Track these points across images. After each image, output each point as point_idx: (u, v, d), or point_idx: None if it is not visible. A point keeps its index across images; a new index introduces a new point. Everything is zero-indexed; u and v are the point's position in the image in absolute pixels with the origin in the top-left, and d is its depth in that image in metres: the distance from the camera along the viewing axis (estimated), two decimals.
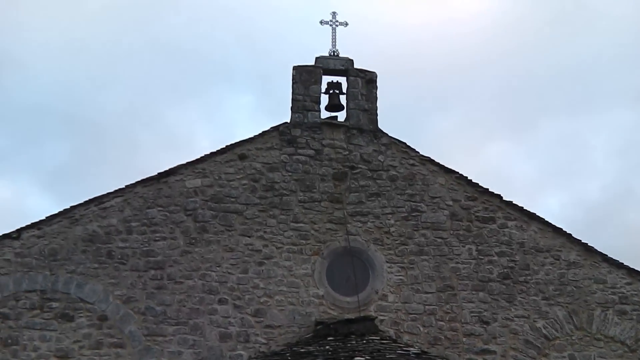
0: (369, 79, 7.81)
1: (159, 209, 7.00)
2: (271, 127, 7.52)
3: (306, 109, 7.61)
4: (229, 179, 7.22)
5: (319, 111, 7.64)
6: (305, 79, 7.71)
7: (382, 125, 7.76)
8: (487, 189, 7.57)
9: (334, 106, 7.88)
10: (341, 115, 7.87)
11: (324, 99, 7.80)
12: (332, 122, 7.61)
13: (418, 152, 7.68)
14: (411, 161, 7.63)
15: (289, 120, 7.58)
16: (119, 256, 6.76)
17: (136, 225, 6.89)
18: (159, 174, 7.11)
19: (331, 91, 7.94)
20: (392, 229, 7.32)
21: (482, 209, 7.52)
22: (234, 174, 7.24)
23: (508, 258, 7.28)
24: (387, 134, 7.72)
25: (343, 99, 7.90)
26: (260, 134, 7.45)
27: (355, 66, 7.86)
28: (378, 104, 7.72)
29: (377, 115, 7.77)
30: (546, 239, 7.35)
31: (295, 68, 7.72)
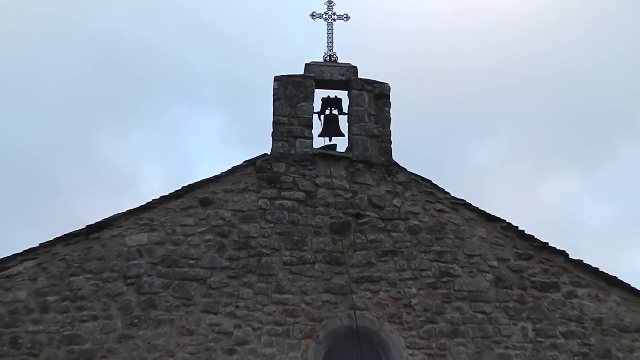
0: (379, 94, 8.09)
1: (88, 276, 7.02)
2: (245, 161, 7.74)
3: (293, 135, 7.82)
4: (186, 233, 7.36)
5: (311, 138, 7.84)
6: (291, 94, 7.93)
7: (397, 156, 7.99)
8: (547, 244, 7.63)
9: (331, 131, 8.16)
10: (341, 144, 8.21)
11: (318, 122, 8.17)
12: (328, 154, 7.81)
13: (448, 194, 7.84)
14: (439, 206, 7.81)
15: (269, 152, 7.83)
16: (29, 344, 6.59)
17: (55, 300, 6.80)
18: (88, 227, 7.15)
19: (327, 111, 8.28)
20: (413, 301, 7.32)
21: (540, 272, 7.58)
22: (194, 227, 7.39)
23: (580, 341, 7.19)
24: (404, 169, 7.94)
25: (344, 121, 8.26)
26: (230, 170, 7.64)
27: (360, 75, 8.14)
28: (392, 128, 7.98)
29: (390, 143, 8.00)
30: (633, 313, 7.30)
31: (277, 79, 7.92)
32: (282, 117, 7.82)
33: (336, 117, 8.24)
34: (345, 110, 8.23)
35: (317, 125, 8.17)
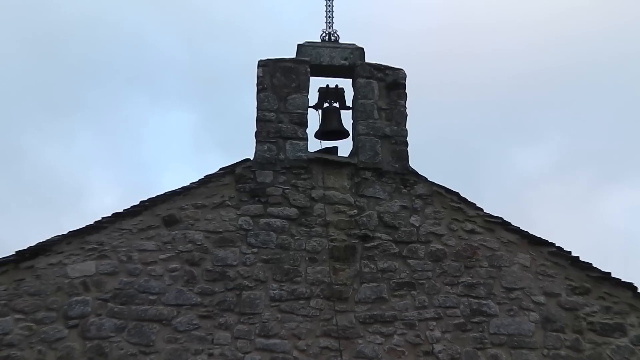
0: (392, 83, 8.02)
1: (18, 316, 6.88)
2: (222, 169, 7.67)
3: (283, 135, 7.74)
4: (146, 260, 7.26)
5: (306, 140, 7.78)
6: (280, 83, 7.86)
7: (415, 163, 7.92)
8: (609, 274, 7.53)
9: (331, 131, 8.09)
10: (344, 146, 8.15)
11: (314, 118, 8.09)
12: (328, 159, 7.76)
13: (481, 210, 7.77)
14: (469, 226, 7.75)
15: (252, 157, 7.72)
16: None
17: None
18: (17, 253, 7.04)
19: (326, 104, 8.18)
20: (437, 347, 7.26)
21: (601, 310, 7.49)
22: (156, 252, 7.32)
23: None
24: (424, 179, 7.85)
25: (347, 118, 8.20)
26: (202, 180, 7.56)
27: (368, 59, 8.05)
28: (409, 127, 7.89)
29: (406, 145, 7.91)
30: None
31: (262, 64, 7.85)
32: (268, 113, 7.75)
33: (337, 112, 8.17)
34: (349, 103, 8.20)
35: (313, 122, 8.10)
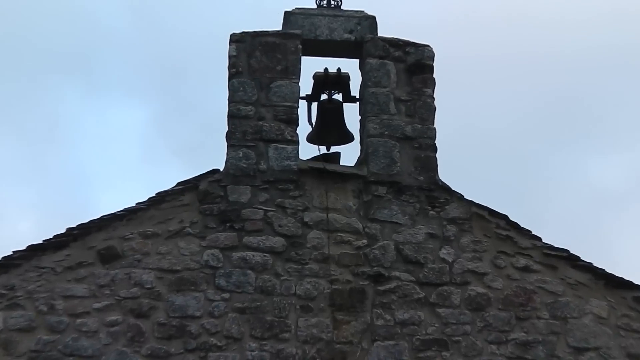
0: (415, 64, 8.12)
1: None
2: (181, 183, 7.74)
3: (265, 137, 7.86)
4: (75, 310, 7.27)
5: (296, 142, 7.94)
6: (261, 65, 8.00)
7: (447, 175, 7.97)
8: None
9: (331, 131, 8.32)
10: (349, 152, 8.24)
11: (307, 113, 8.22)
12: (327, 170, 7.88)
13: (539, 240, 7.77)
14: (522, 261, 7.73)
15: (221, 167, 7.80)
16: None
17: None
18: None
19: (325, 95, 8.32)
20: None
21: None
22: (89, 299, 7.30)
23: None
24: (460, 196, 7.94)
25: (352, 113, 8.33)
26: (154, 199, 7.66)
27: (381, 32, 8.16)
28: (438, 125, 7.96)
29: (435, 150, 7.99)
30: None
31: (235, 39, 7.97)
32: (244, 107, 7.83)
33: (339, 106, 8.27)
34: (355, 93, 8.29)
35: (307, 120, 8.22)
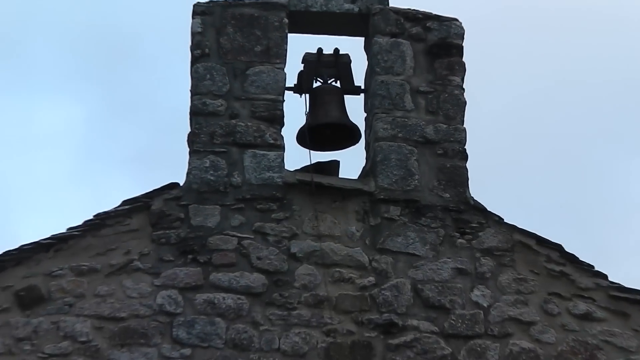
0: (438, 44, 8.13)
1: None
2: (126, 202, 7.72)
3: (239, 140, 7.82)
4: None
5: (282, 147, 7.90)
6: (234, 45, 8.01)
7: (481, 192, 7.99)
8: None
9: (327, 132, 8.26)
10: (352, 160, 8.32)
11: (296, 108, 8.18)
12: (322, 184, 7.83)
13: (604, 277, 7.75)
14: (582, 306, 7.69)
15: (181, 180, 7.78)
16: None
17: None
18: None
19: (318, 83, 8.34)
20: None
21: None
22: (2, 357, 7.24)
23: None
24: (498, 219, 7.90)
25: (356, 108, 8.29)
26: (91, 223, 7.61)
27: (394, 3, 8.19)
28: (468, 125, 7.96)
29: (465, 159, 7.97)
30: None
31: (201, 10, 7.99)
32: (211, 101, 7.80)
33: (338, 98, 8.22)
34: (359, 83, 8.31)
35: (296, 117, 8.12)
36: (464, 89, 8.03)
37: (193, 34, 7.88)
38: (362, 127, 8.31)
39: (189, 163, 7.69)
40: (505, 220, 7.82)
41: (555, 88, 19.98)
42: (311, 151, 8.12)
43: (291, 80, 8.11)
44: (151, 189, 7.67)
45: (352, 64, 8.29)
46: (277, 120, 7.79)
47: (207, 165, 7.65)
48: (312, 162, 8.05)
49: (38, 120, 21.77)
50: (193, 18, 7.90)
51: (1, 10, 20.27)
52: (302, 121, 8.31)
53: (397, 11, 8.10)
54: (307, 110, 8.29)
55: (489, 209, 7.84)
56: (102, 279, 7.36)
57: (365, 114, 8.21)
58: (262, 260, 7.49)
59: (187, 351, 7.23)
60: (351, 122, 8.23)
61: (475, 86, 8.10)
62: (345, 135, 8.26)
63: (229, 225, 7.54)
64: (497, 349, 7.47)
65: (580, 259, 7.76)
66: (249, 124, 7.74)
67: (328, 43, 8.32)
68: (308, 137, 8.16)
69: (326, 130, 8.21)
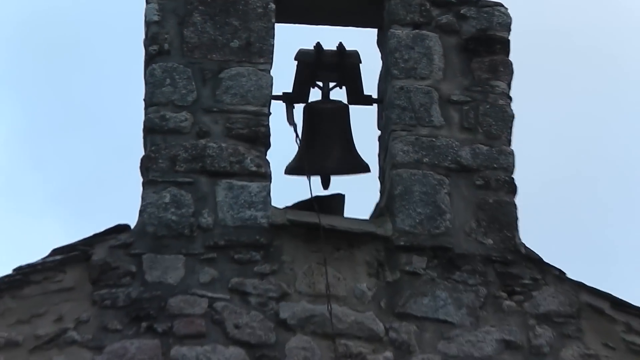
0: (476, 38, 8.06)
1: None
2: (57, 251, 7.53)
3: (209, 167, 7.67)
4: None
5: (267, 177, 7.76)
6: (203, 38, 7.92)
7: (535, 238, 7.98)
8: None
9: (327, 151, 8.33)
10: (359, 193, 8.50)
11: (283, 124, 8.18)
12: (323, 227, 7.66)
13: None
14: None
15: (132, 221, 7.65)
16: None
17: None
18: None
19: (317, 88, 8.39)
20: None
21: None
22: None
23: None
24: (560, 274, 7.80)
25: (366, 123, 8.44)
26: (10, 280, 7.42)
27: None
28: (517, 147, 7.90)
29: (513, 191, 7.88)
30: None
31: None
32: (172, 114, 7.68)
33: (342, 111, 8.23)
34: (370, 90, 8.27)
35: (284, 136, 8.11)
36: (511, 98, 7.89)
37: (147, 24, 7.75)
38: (374, 149, 8.24)
39: (143, 198, 7.47)
40: (568, 276, 7.69)
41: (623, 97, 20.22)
42: (311, 177, 8.06)
43: (279, 86, 7.97)
44: (91, 234, 7.46)
45: (361, 65, 8.20)
46: (261, 140, 7.61)
47: (167, 200, 7.43)
48: (309, 197, 7.90)
49: None
50: (147, 2, 7.78)
51: None
52: (294, 141, 8.28)
53: None
54: (298, 136, 8.25)
55: (546, 261, 7.70)
56: (24, 355, 7.12)
57: (378, 132, 8.14)
58: (241, 329, 7.26)
59: None
60: (359, 161, 8.25)
61: (523, 94, 8.02)
62: (349, 166, 8.28)
63: (196, 282, 7.34)
64: None
65: None
66: (224, 145, 7.53)
67: (330, 37, 8.25)
68: (303, 168, 8.12)
69: (328, 159, 8.22)
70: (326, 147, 8.25)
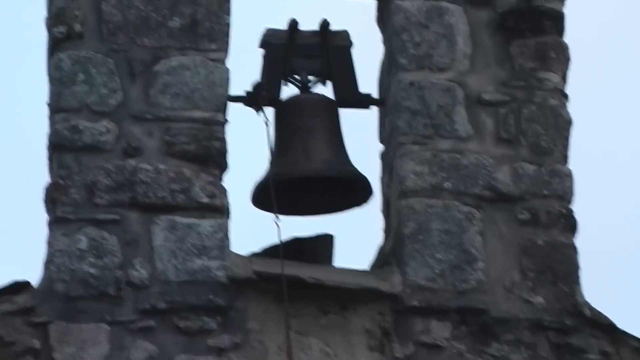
0: (517, 13, 8.27)
1: None
2: None
3: (142, 200, 7.91)
4: None
5: (223, 212, 8.01)
6: (130, 16, 8.10)
7: (599, 292, 8.29)
8: None
9: (307, 180, 8.47)
10: (353, 231, 8.86)
11: (242, 134, 8.56)
12: (306, 282, 7.90)
13: None
14: None
15: (35, 277, 7.81)
16: None
17: None
18: None
19: (294, 84, 8.58)
20: None
21: None
22: None
23: None
24: (638, 343, 8.07)
25: (366, 127, 8.72)
26: None
27: None
28: (576, 163, 8.16)
29: (572, 227, 8.12)
30: None
31: None
32: (88, 123, 7.89)
33: (330, 116, 8.49)
34: (369, 87, 8.51)
35: (248, 150, 8.63)
36: (567, 96, 8.09)
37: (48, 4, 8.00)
38: (375, 170, 8.39)
39: (49, 243, 7.63)
40: None
41: None
42: (279, 216, 8.08)
43: (239, 83, 8.22)
44: None
45: (353, 50, 8.46)
46: (215, 159, 7.81)
47: (83, 246, 7.59)
48: (284, 239, 7.97)
49: None
50: None
51: None
52: (262, 162, 8.44)
53: None
54: (270, 144, 8.38)
55: (620, 326, 7.89)
56: None
57: (381, 146, 8.34)
58: None
59: None
60: (353, 169, 8.37)
61: (580, 93, 8.10)
62: (343, 191, 8.37)
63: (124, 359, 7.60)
64: None
65: None
66: (162, 167, 7.74)
67: (307, 11, 8.52)
68: (274, 195, 8.14)
69: (306, 185, 8.38)
70: (307, 144, 8.39)
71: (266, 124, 8.32)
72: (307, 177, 8.31)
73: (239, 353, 7.56)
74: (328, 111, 8.38)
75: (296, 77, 8.40)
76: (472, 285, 7.74)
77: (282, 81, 8.41)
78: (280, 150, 8.36)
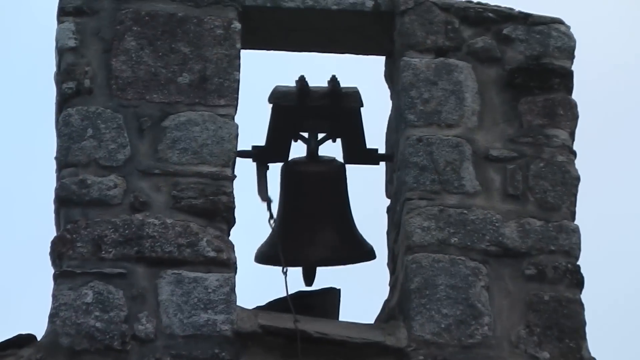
0: (525, 70, 8.25)
1: None
2: None
3: (148, 256, 7.83)
4: None
5: (231, 266, 7.93)
6: (138, 70, 8.09)
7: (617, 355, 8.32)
8: None
9: (315, 233, 8.56)
10: (359, 287, 8.90)
11: (248, 188, 8.46)
12: (312, 336, 7.82)
13: None
14: None
15: (41, 331, 7.71)
16: None
17: None
18: None
19: (304, 141, 8.60)
20: None
21: None
22: None
23: None
24: None
25: (374, 180, 8.67)
26: None
27: None
28: (582, 221, 8.10)
29: (579, 283, 8.08)
30: None
31: (72, 7, 8.14)
32: (95, 178, 7.84)
33: (337, 169, 8.51)
34: (375, 142, 8.57)
35: (250, 202, 8.39)
36: (575, 153, 8.03)
37: (60, 52, 7.88)
38: (381, 225, 8.37)
39: (55, 297, 7.54)
40: None
41: None
42: (287, 268, 8.07)
43: (247, 138, 8.17)
44: None
45: (363, 109, 8.37)
46: (223, 213, 7.74)
47: (89, 300, 7.50)
48: (292, 293, 8.01)
49: None
50: (60, 21, 7.90)
51: None
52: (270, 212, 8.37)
53: (448, 6, 8.06)
54: (272, 216, 8.34)
55: None
56: None
57: (387, 201, 8.31)
58: None
59: None
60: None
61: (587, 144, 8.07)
62: (346, 253, 8.39)
63: None
64: None
65: None
66: (169, 221, 7.66)
67: (318, 68, 8.48)
68: (281, 253, 8.14)
69: (314, 247, 8.37)
70: (312, 228, 8.43)
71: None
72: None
73: None
74: (336, 182, 8.42)
75: (304, 135, 8.42)
76: (478, 340, 7.64)
77: (291, 139, 8.42)
78: (285, 225, 8.36)
